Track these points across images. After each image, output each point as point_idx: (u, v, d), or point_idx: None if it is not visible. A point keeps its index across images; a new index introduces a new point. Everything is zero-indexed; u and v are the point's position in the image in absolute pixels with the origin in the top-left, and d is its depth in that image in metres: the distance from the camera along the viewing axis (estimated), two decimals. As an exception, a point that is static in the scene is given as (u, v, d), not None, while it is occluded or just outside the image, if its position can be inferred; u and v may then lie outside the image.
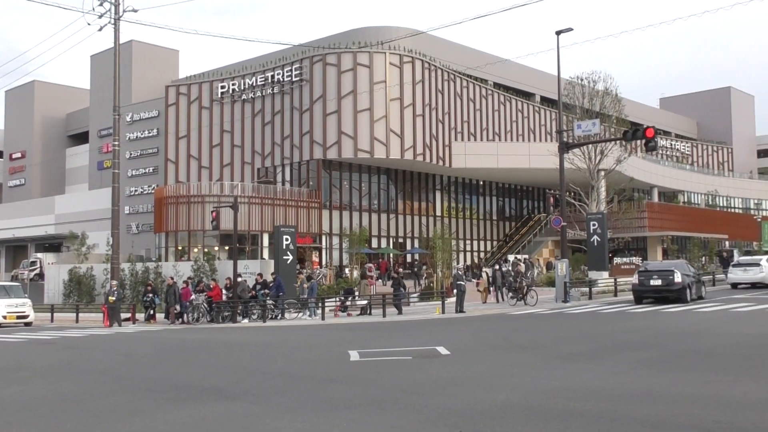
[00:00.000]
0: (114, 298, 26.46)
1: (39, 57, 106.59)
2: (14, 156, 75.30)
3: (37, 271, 46.90)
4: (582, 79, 40.79)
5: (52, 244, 60.14)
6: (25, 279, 43.79)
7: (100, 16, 29.52)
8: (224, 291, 27.55)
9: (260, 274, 28.86)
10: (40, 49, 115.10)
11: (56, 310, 31.93)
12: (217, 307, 26.66)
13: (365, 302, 27.65)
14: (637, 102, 75.32)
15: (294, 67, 48.60)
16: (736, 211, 75.12)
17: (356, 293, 28.75)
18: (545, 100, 63.35)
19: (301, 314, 26.85)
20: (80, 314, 30.54)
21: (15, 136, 75.37)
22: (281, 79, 49.23)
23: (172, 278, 28.52)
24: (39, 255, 53.32)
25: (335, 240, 48.13)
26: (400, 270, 35.94)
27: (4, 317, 26.36)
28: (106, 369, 13.81)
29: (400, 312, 26.35)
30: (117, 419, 8.61)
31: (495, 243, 59.84)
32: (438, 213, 55.15)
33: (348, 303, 27.34)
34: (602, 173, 41.88)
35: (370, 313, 26.97)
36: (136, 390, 10.83)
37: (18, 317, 26.77)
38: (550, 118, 62.15)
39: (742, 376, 10.13)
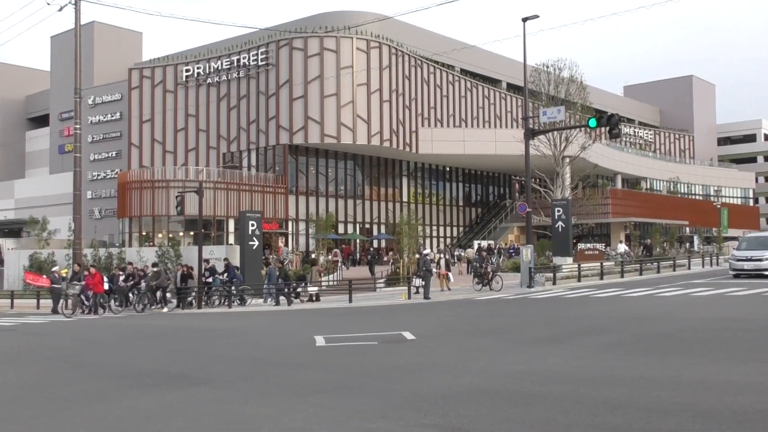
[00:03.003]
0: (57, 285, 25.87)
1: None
2: (-28, 139, 73.53)
3: (-3, 256, 45.92)
4: (548, 67, 41.07)
5: (11, 230, 58.95)
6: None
7: (61, -4, 28.82)
8: (105, 279, 26.11)
9: (226, 259, 28.61)
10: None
11: (16, 297, 31.27)
12: (101, 297, 25.00)
13: (315, 289, 27.48)
14: (602, 90, 76.15)
15: (260, 51, 48.10)
16: (697, 197, 76.59)
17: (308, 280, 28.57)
18: (511, 87, 63.70)
19: (261, 300, 26.80)
20: (41, 300, 30.00)
21: (-28, 118, 73.54)
22: (247, 63, 48.71)
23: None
24: (-2, 240, 52.21)
25: (302, 225, 47.97)
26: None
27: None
28: (68, 355, 13.63)
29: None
30: (80, 406, 8.51)
31: (461, 229, 60.20)
32: (404, 199, 55.26)
33: (300, 290, 27.26)
34: (567, 160, 42.31)
35: (317, 300, 26.89)
36: (100, 376, 10.72)
37: None
38: (516, 104, 62.53)
39: (700, 359, 10.37)
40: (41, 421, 7.79)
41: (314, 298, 27.20)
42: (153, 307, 25.75)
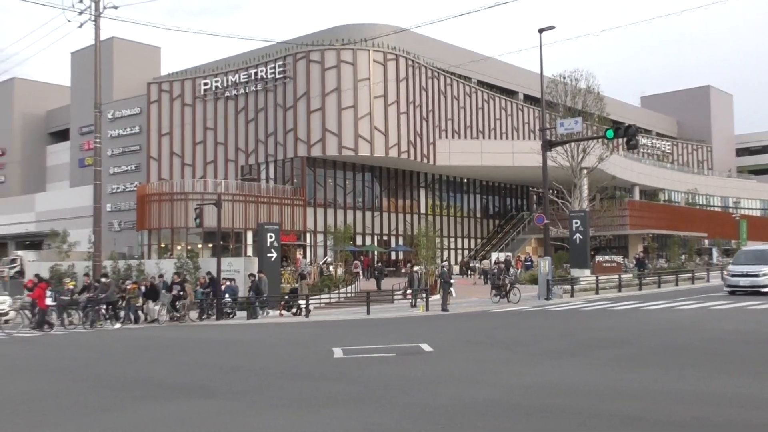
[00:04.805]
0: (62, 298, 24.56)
1: (19, 54, 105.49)
2: (-6, 153, 74.59)
3: (18, 268, 46.49)
4: (564, 78, 40.99)
5: (33, 242, 59.57)
6: (4, 276, 43.37)
7: (80, 13, 29.25)
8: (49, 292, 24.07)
9: (209, 273, 27.86)
10: (20, 46, 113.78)
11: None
12: (41, 312, 23.21)
13: (303, 303, 26.76)
14: (619, 100, 75.84)
15: (277, 64, 48.47)
16: (716, 209, 75.88)
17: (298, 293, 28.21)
18: (528, 98, 63.61)
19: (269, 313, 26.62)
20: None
21: (-5, 132, 74.61)
22: (264, 77, 49.08)
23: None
24: (19, 252, 52.82)
25: (320, 237, 48.09)
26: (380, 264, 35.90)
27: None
28: (80, 366, 13.76)
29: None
30: (89, 416, 8.59)
31: (479, 241, 60.06)
32: (422, 210, 55.24)
33: (291, 303, 27.14)
34: (584, 171, 42.13)
35: (306, 315, 25.76)
36: (112, 387, 10.80)
37: None
38: (533, 116, 62.41)
39: (719, 373, 10.29)
40: (53, 430, 7.88)
41: (301, 312, 26.37)
42: (101, 323, 24.16)
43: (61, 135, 70.20)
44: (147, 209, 45.02)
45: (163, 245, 44.61)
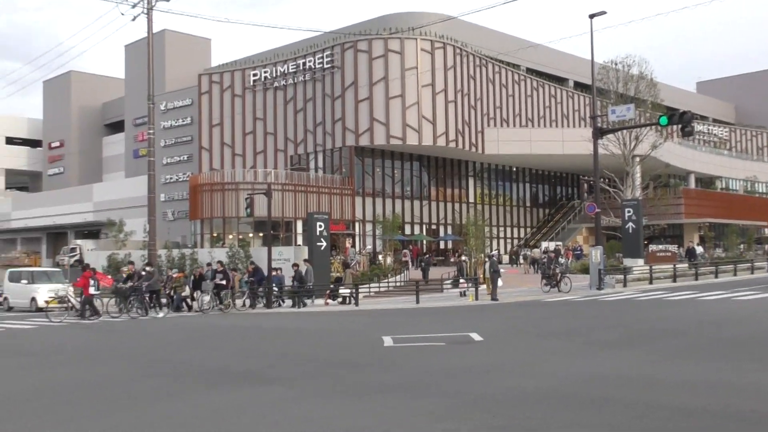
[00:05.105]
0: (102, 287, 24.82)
1: (75, 48, 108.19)
2: (53, 145, 76.76)
3: (77, 257, 47.84)
4: (616, 64, 40.23)
5: (91, 231, 61.24)
6: (65, 265, 44.69)
7: (134, 6, 29.85)
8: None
9: (252, 262, 28.47)
10: (77, 39, 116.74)
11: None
12: (85, 300, 23.37)
13: (348, 291, 27.19)
14: (673, 86, 73.94)
15: (325, 54, 48.65)
16: (776, 197, 73.50)
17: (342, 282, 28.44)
18: (579, 85, 62.57)
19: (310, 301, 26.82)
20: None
21: (54, 125, 76.79)
22: (312, 67, 49.32)
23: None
24: (78, 242, 54.37)
25: (368, 227, 48.26)
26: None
27: (46, 302, 26.96)
28: (141, 353, 14.10)
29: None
30: (153, 401, 8.80)
31: (528, 230, 59.47)
32: (471, 199, 54.93)
33: (336, 292, 27.31)
34: (637, 159, 41.29)
35: (354, 303, 26.10)
36: (171, 374, 11.05)
37: (59, 302, 27.37)
38: (583, 103, 61.37)
39: (781, 364, 10.00)
40: (119, 415, 8.09)
41: (348, 301, 26.82)
42: (148, 311, 24.18)
43: (117, 126, 71.86)
44: (199, 199, 45.81)
45: (215, 234, 45.36)
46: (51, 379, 11.04)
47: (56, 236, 66.56)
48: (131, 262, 28.82)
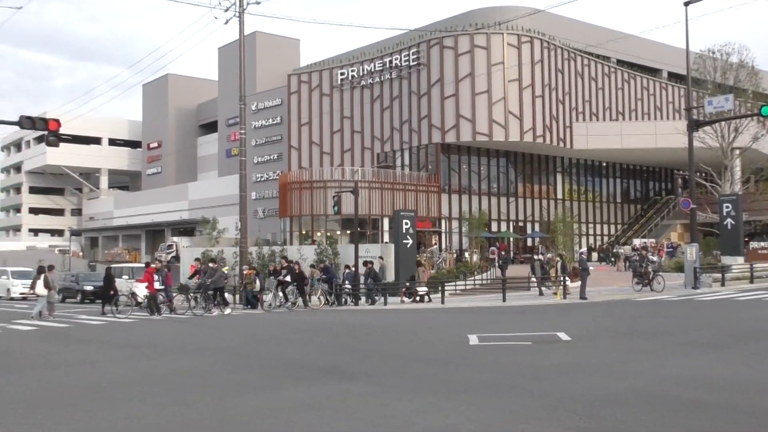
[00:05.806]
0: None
1: (172, 52, 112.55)
2: (152, 146, 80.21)
3: (174, 253, 49.81)
4: (713, 52, 38.56)
5: (186, 229, 63.63)
6: (163, 261, 46.64)
7: (226, 10, 30.78)
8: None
9: (324, 260, 28.92)
10: (173, 44, 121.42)
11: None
12: (150, 296, 23.54)
13: (425, 290, 27.19)
14: (777, 74, 70.14)
15: (411, 51, 48.79)
16: None
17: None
18: (673, 76, 60.30)
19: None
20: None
21: (152, 126, 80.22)
22: (399, 64, 49.56)
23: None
24: (175, 239, 56.63)
25: (454, 224, 48.14)
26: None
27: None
28: (232, 347, 14.57)
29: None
30: (243, 394, 9.10)
31: (619, 226, 57.86)
32: (559, 196, 53.95)
33: (411, 290, 27.28)
34: (736, 152, 39.50)
35: (428, 301, 26.49)
36: (261, 367, 11.38)
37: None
38: (678, 94, 59.16)
39: None
40: (211, 404, 8.43)
41: (422, 299, 26.81)
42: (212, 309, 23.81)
43: (211, 127, 74.36)
44: (288, 197, 46.86)
45: (303, 232, 46.29)
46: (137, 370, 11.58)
47: (154, 233, 69.53)
48: (197, 259, 29.11)
